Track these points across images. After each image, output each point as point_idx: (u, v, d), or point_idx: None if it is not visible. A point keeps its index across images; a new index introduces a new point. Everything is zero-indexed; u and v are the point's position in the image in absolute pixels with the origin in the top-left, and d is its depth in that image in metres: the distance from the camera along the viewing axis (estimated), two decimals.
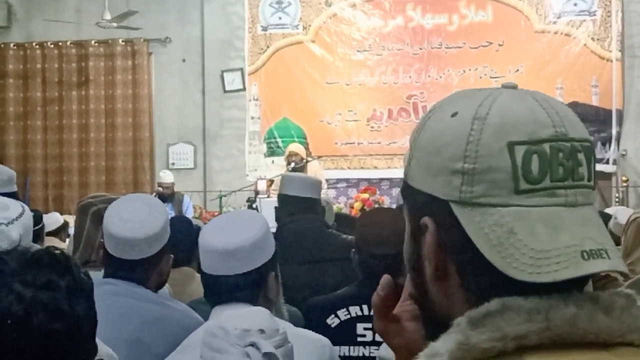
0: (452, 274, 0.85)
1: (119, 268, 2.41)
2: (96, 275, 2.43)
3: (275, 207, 4.05)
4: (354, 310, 2.97)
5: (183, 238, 3.28)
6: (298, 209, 3.85)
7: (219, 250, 2.16)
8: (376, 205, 9.28)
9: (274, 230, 4.30)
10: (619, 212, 5.01)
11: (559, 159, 0.80)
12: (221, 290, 2.20)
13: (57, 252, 1.35)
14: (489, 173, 0.81)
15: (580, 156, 0.82)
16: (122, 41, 11.07)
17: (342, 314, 2.98)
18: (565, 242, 0.78)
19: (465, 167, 0.81)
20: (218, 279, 2.19)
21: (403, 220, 0.92)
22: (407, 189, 0.89)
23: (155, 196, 8.84)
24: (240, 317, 1.72)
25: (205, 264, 2.24)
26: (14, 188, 3.39)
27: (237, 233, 2.19)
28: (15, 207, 2.29)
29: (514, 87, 0.87)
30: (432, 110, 0.89)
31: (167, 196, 9.06)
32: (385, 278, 1.01)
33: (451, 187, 0.82)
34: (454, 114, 0.84)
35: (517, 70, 10.32)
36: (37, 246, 1.52)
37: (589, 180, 0.82)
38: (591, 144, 0.84)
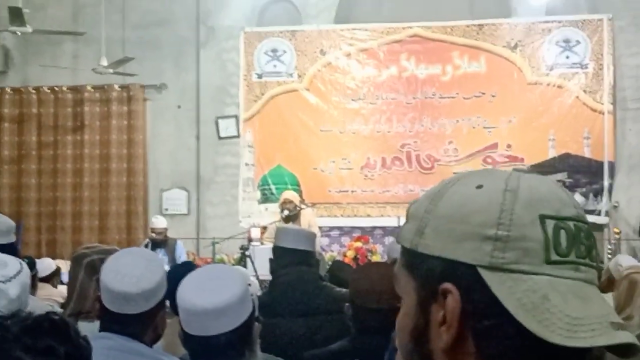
0: (468, 342, 0.85)
1: (115, 322, 2.41)
2: (91, 327, 2.44)
3: (270, 259, 4.06)
4: None
5: None
6: (292, 261, 3.86)
7: (209, 311, 2.13)
8: (369, 254, 9.29)
9: (268, 278, 4.33)
10: (621, 258, 5.52)
11: (581, 237, 0.86)
12: (212, 351, 2.16)
13: (57, 317, 1.36)
14: (522, 241, 0.84)
15: (593, 240, 0.87)
16: (118, 87, 11.14)
17: None
18: (596, 313, 0.82)
19: (499, 234, 0.84)
20: (209, 339, 2.15)
21: None
22: (417, 258, 0.90)
23: (148, 242, 8.85)
24: None
25: (191, 326, 2.18)
26: (13, 238, 3.35)
27: (222, 290, 2.16)
28: (13, 264, 2.29)
29: (527, 171, 0.92)
30: (447, 183, 0.91)
31: (160, 242, 9.02)
32: None
33: (481, 252, 0.84)
34: (479, 186, 0.88)
35: (510, 121, 10.39)
36: (38, 303, 1.53)
37: (598, 263, 0.88)
38: None
